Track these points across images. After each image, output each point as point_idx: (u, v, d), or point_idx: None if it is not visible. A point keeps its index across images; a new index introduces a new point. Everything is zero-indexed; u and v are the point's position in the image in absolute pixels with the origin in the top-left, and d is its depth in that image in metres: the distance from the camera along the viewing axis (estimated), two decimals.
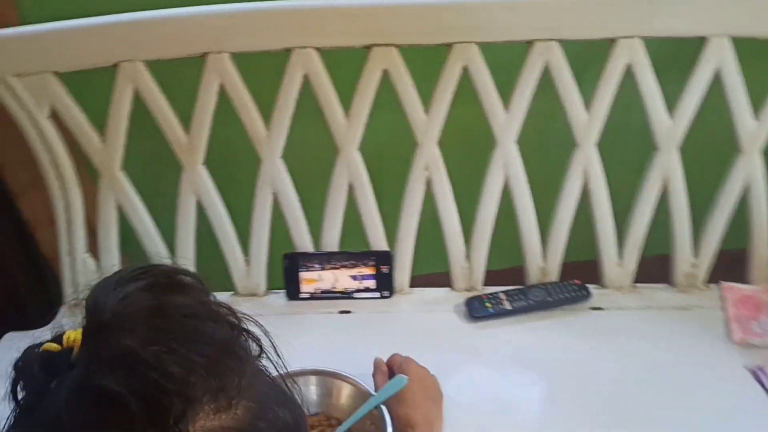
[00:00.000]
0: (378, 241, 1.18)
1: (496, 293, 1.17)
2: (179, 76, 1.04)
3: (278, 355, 0.59)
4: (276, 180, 1.14)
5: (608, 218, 1.16)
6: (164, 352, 0.47)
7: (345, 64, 1.06)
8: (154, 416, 0.45)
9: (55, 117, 1.08)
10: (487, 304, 1.15)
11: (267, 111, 1.10)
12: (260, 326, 0.59)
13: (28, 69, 1.03)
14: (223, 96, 1.08)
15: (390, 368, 0.99)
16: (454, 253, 1.18)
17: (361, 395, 0.95)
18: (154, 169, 1.20)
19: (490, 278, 1.21)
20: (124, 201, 1.13)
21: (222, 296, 1.22)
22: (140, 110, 1.08)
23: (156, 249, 1.17)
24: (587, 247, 1.18)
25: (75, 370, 0.47)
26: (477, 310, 1.14)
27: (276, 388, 0.57)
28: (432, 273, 1.27)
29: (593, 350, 1.07)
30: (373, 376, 0.98)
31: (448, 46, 1.06)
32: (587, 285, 1.17)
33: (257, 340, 0.56)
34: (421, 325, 1.14)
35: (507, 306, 1.14)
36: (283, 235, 1.19)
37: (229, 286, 1.22)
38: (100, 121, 1.09)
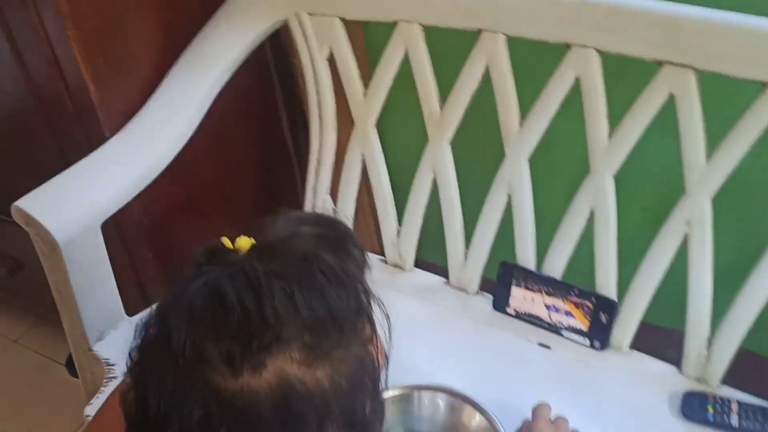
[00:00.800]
0: (606, 284, 1.01)
1: (728, 399, 0.92)
2: (451, 47, 1.00)
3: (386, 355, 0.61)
4: (515, 181, 1.04)
5: None
6: (284, 291, 0.51)
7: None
8: (244, 335, 0.50)
9: (330, 61, 1.12)
10: (709, 408, 0.91)
11: (525, 106, 1.00)
12: (388, 325, 0.61)
13: (320, 10, 1.08)
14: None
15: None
16: (695, 327, 0.96)
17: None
18: (399, 136, 1.18)
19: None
20: (369, 157, 1.14)
21: (433, 278, 1.18)
22: (405, 74, 1.07)
23: (387, 218, 1.17)
24: None
25: (218, 269, 0.53)
26: (692, 408, 0.92)
27: (369, 377, 0.56)
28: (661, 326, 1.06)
29: None
30: (525, 424, 0.86)
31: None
32: None
33: (373, 329, 0.57)
34: (620, 399, 0.96)
35: (734, 421, 0.89)
36: (503, 236, 1.09)
37: (443, 271, 1.17)
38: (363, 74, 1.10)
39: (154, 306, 0.56)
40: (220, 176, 1.34)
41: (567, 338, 1.05)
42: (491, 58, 0.99)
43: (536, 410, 0.86)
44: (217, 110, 1.12)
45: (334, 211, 1.19)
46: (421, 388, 0.93)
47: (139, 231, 1.24)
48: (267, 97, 1.40)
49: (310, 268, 0.54)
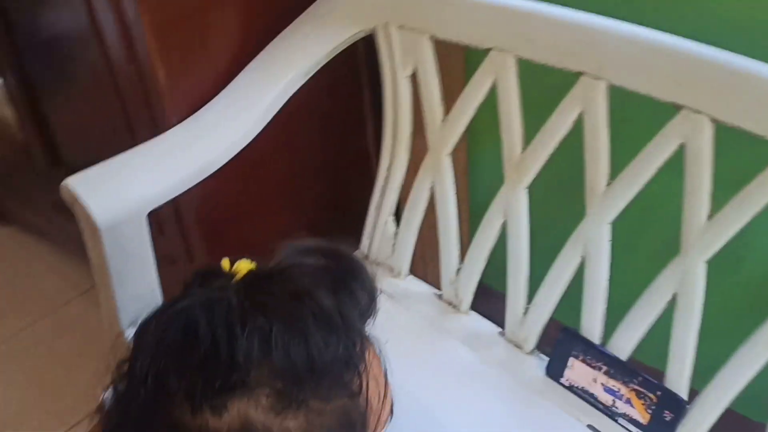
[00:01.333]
0: (678, 379, 0.89)
1: None
2: (544, 85, 0.90)
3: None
4: (592, 244, 0.92)
5: None
6: (261, 330, 0.47)
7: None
8: (209, 372, 0.46)
9: (413, 79, 1.03)
10: None
11: (617, 163, 0.89)
12: (386, 385, 0.57)
13: (411, 24, 0.99)
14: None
15: None
16: None
17: None
18: (477, 170, 1.09)
19: None
20: (438, 187, 1.06)
21: (487, 326, 1.09)
22: (489, 105, 0.97)
23: (449, 255, 1.08)
24: None
25: (202, 294, 0.50)
26: None
27: None
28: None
29: None
30: None
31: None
32: None
33: (357, 392, 0.51)
34: None
35: None
36: (569, 296, 0.98)
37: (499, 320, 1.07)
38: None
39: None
40: (288, 178, 1.29)
41: (622, 427, 0.93)
42: (587, 106, 0.88)
43: None
44: (294, 110, 1.06)
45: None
46: None
47: (196, 223, 1.21)
48: (353, 101, 1.34)
49: (300, 306, 0.50)
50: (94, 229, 0.93)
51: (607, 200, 0.89)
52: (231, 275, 0.52)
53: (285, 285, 0.51)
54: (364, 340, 0.53)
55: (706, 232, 0.82)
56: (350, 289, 0.54)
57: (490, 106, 0.97)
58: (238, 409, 0.46)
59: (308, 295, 0.50)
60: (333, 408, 0.49)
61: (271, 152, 1.16)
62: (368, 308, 0.55)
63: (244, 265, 0.53)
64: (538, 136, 0.93)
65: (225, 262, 0.54)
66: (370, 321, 0.56)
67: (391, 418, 0.60)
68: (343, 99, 1.31)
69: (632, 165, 0.87)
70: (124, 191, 0.96)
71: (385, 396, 0.57)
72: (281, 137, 1.10)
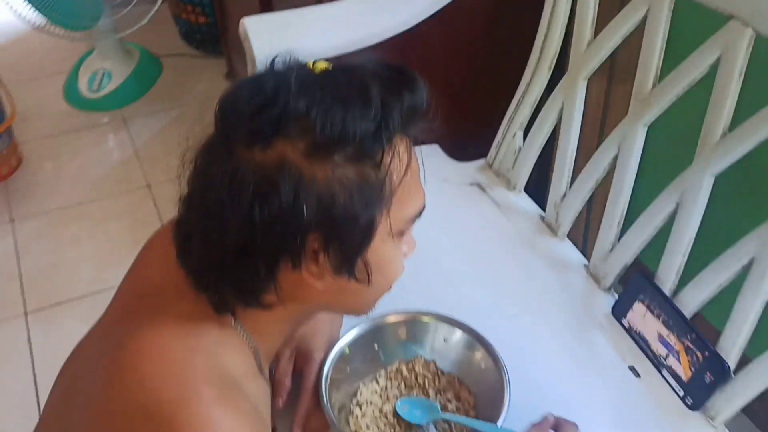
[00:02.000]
0: (731, 345, 0.87)
1: None
2: (688, 24, 0.89)
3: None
4: (690, 195, 0.91)
5: None
6: (313, 96, 0.58)
7: None
8: (265, 115, 0.58)
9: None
10: None
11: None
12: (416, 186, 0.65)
13: None
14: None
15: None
16: None
17: (489, 379, 0.84)
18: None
19: None
20: (567, 109, 1.08)
21: (576, 256, 1.12)
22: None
23: (560, 178, 1.11)
24: None
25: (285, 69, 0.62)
26: None
27: (371, 198, 0.60)
28: None
29: None
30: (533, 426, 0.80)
31: None
32: None
33: (379, 165, 0.59)
34: None
35: None
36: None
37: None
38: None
39: None
40: (440, 70, 1.35)
41: (663, 378, 0.93)
42: (727, 51, 0.86)
43: (564, 424, 0.79)
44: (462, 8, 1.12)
45: None
46: (441, 319, 0.91)
47: None
48: (516, 16, 1.36)
49: (349, 85, 0.59)
50: (254, 66, 1.08)
51: (718, 151, 0.88)
52: (310, 68, 0.63)
53: (346, 73, 0.61)
54: (397, 132, 0.60)
55: None
56: (399, 89, 0.61)
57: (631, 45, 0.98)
58: (279, 149, 0.57)
59: (359, 79, 0.60)
60: (356, 169, 0.59)
61: (430, 41, 1.23)
62: (412, 111, 0.61)
63: (321, 64, 0.63)
64: (672, 74, 0.93)
65: (309, 62, 0.64)
66: (412, 123, 0.63)
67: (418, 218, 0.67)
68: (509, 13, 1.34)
69: (752, 120, 0.84)
70: (288, 40, 1.10)
71: (414, 193, 0.65)
72: (443, 30, 1.17)
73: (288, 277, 0.63)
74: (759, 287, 0.83)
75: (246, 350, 0.68)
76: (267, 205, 0.57)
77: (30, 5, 2.18)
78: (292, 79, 0.60)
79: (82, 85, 2.51)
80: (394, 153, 0.61)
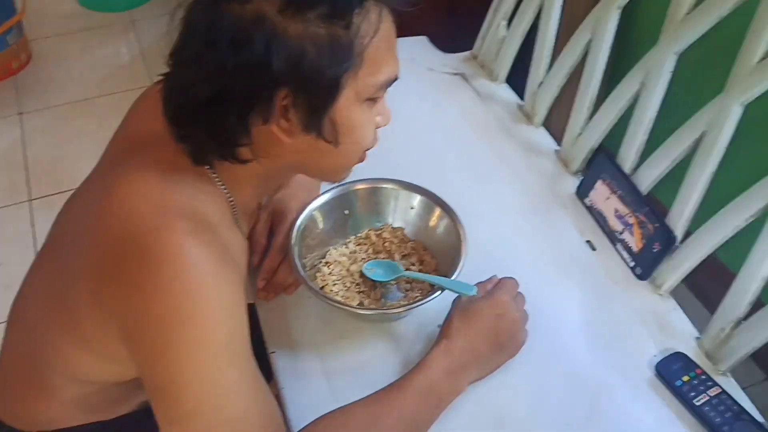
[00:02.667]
0: (679, 216, 0.91)
1: (714, 382, 0.82)
2: None
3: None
4: (653, 73, 0.94)
5: None
6: None
7: None
8: None
9: None
10: (686, 377, 0.83)
11: None
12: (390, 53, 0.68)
13: None
14: None
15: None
16: (733, 299, 0.84)
17: (450, 245, 0.89)
18: None
19: None
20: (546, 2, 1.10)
21: (549, 142, 1.15)
22: None
23: (538, 65, 1.13)
24: None
25: None
26: (669, 367, 0.84)
27: (339, 56, 0.63)
28: None
29: None
30: (482, 285, 0.86)
31: None
32: None
33: (350, 26, 0.63)
34: (615, 327, 0.90)
35: (698, 401, 0.80)
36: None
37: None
38: None
39: None
40: None
41: (617, 252, 0.98)
42: None
43: (507, 282, 0.85)
44: None
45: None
46: (407, 186, 0.96)
47: None
48: None
49: None
50: None
51: (682, 29, 0.90)
52: None
53: None
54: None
55: (753, 74, 0.82)
56: None
57: None
58: (257, 3, 0.61)
59: None
60: (327, 27, 0.62)
61: None
62: None
63: None
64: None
65: None
66: None
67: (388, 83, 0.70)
68: None
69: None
70: None
71: (385, 60, 0.68)
72: None
73: (261, 132, 0.67)
74: (707, 159, 0.87)
75: (222, 200, 0.73)
76: (240, 55, 0.61)
77: None
78: None
79: None
80: (365, 17, 0.64)
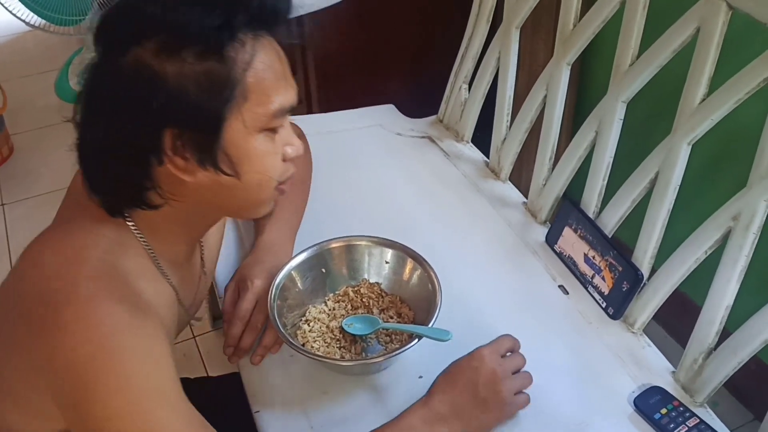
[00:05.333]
0: (643, 254, 0.95)
1: (691, 413, 0.83)
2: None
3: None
4: (606, 121, 1.00)
5: None
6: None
7: None
8: (120, 26, 0.66)
9: None
10: (664, 410, 0.84)
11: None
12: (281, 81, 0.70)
13: None
14: None
15: None
16: (703, 331, 0.87)
17: (426, 295, 0.91)
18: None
19: None
20: (503, 56, 1.17)
21: (516, 195, 1.19)
22: None
23: (500, 123, 1.19)
24: None
25: None
26: (647, 401, 0.85)
27: (221, 91, 0.65)
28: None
29: None
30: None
31: None
32: None
33: (228, 60, 0.65)
34: (590, 365, 0.92)
35: (678, 430, 0.81)
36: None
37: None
38: None
39: None
40: (400, 27, 1.44)
41: (589, 294, 1.01)
42: (704, 23, 0.86)
43: (498, 339, 0.85)
44: None
45: None
46: (381, 243, 0.98)
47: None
48: None
49: None
50: None
51: (626, 79, 0.96)
52: None
53: None
54: (241, 28, 0.65)
55: (695, 115, 0.87)
56: None
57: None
58: (134, 52, 0.64)
59: None
60: (202, 64, 0.64)
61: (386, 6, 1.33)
62: (262, 9, 0.67)
63: None
64: (589, 13, 1.01)
65: None
66: (267, 22, 0.68)
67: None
68: None
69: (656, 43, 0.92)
70: None
71: (273, 89, 0.69)
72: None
73: (161, 174, 0.69)
74: (664, 197, 0.91)
75: (142, 252, 0.74)
76: (123, 101, 0.64)
77: (21, 3, 2.28)
78: None
79: (72, 80, 2.61)
80: (240, 48, 0.66)
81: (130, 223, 0.73)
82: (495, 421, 0.81)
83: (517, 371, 0.83)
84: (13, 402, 0.70)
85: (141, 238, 0.74)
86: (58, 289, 0.66)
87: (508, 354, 0.84)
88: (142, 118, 0.65)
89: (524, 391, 0.83)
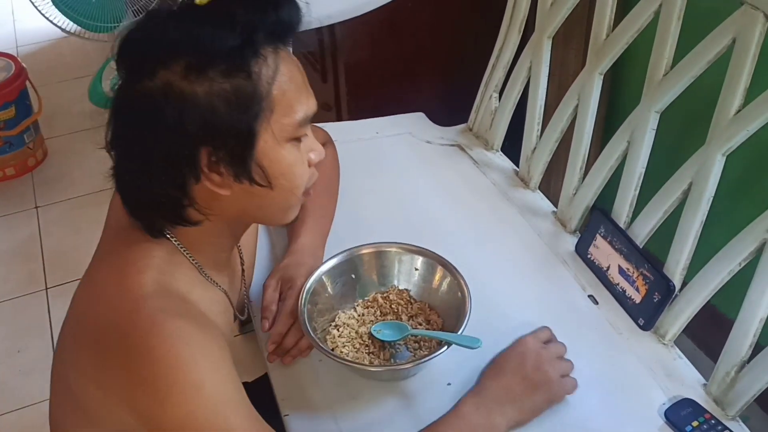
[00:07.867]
0: (675, 265, 0.94)
1: (724, 427, 0.82)
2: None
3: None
4: (639, 130, 0.99)
5: None
6: (186, 26, 0.67)
7: None
8: (146, 51, 0.67)
9: None
10: (695, 422, 0.83)
11: None
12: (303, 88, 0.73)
13: None
14: None
15: None
16: (735, 344, 0.86)
17: (455, 302, 0.92)
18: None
19: None
20: (535, 66, 1.17)
21: (546, 204, 1.19)
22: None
23: (530, 131, 1.19)
24: None
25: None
26: (678, 413, 0.84)
27: (249, 105, 0.67)
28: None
29: None
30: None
31: None
32: None
33: (254, 76, 0.67)
34: (620, 375, 0.91)
35: None
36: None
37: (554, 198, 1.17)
38: None
39: None
40: (431, 35, 1.45)
41: (619, 303, 1.00)
42: (741, 33, 0.85)
43: (537, 330, 0.91)
44: None
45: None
46: (411, 250, 0.99)
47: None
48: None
49: (217, 11, 0.66)
50: None
51: (660, 89, 0.96)
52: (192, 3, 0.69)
53: (216, 2, 0.67)
54: (263, 44, 0.68)
55: (731, 126, 0.87)
56: (263, 7, 0.68)
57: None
58: (161, 76, 0.65)
59: (226, 4, 0.67)
60: (230, 82, 0.66)
61: (417, 14, 1.34)
62: (278, 24, 0.69)
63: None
64: (623, 23, 1.01)
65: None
66: (284, 35, 0.70)
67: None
68: None
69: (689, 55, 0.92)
70: None
71: (296, 99, 0.71)
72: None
73: (199, 191, 0.71)
74: (697, 207, 0.91)
75: (189, 265, 0.78)
76: (159, 126, 0.66)
77: (57, 10, 2.34)
78: (165, 15, 0.68)
79: (105, 85, 2.66)
80: (263, 63, 0.68)
81: (174, 241, 0.76)
82: (546, 402, 0.84)
83: (559, 358, 0.88)
84: (89, 421, 0.74)
85: (186, 252, 0.77)
86: (122, 316, 0.69)
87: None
88: (178, 140, 0.67)
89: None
